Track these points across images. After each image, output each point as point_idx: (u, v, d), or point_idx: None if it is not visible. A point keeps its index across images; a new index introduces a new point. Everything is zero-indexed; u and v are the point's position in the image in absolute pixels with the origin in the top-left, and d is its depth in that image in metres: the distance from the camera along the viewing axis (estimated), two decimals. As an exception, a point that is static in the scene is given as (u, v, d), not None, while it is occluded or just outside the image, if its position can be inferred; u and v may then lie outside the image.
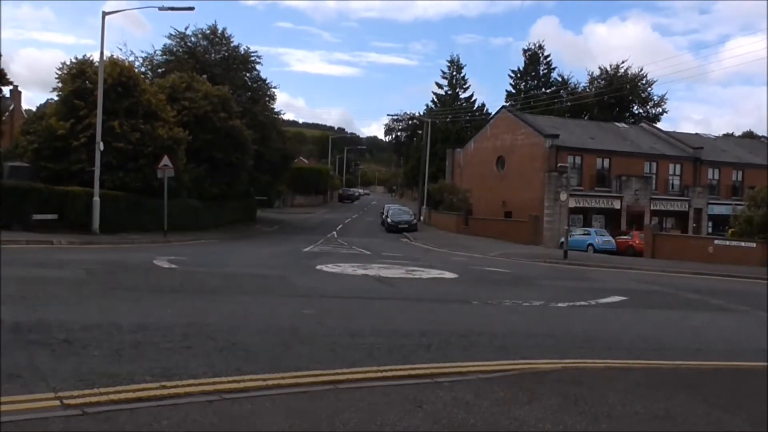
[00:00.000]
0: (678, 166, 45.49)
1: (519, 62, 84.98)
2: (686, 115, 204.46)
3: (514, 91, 71.34)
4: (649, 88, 67.73)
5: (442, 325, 9.12)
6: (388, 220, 47.06)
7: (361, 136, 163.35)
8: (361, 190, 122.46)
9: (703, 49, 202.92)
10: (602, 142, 44.40)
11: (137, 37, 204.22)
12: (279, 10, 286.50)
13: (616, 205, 42.32)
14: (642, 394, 5.72)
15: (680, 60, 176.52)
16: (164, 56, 42.41)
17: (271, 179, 46.92)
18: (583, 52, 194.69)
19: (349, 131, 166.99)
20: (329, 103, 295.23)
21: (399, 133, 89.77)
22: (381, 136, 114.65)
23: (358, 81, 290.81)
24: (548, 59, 71.47)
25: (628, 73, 66.87)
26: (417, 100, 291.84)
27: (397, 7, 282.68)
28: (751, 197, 32.60)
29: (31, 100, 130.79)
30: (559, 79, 71.01)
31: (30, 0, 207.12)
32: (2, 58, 25.18)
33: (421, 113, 76.65)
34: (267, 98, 46.28)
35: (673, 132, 52.05)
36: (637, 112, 68.35)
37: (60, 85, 27.26)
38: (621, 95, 65.08)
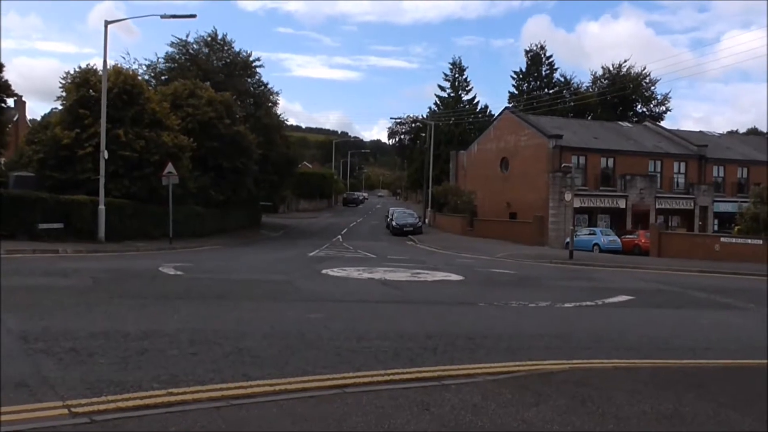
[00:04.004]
0: (683, 164, 45.34)
1: (520, 63, 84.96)
2: (686, 113, 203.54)
3: (516, 92, 71.26)
4: (653, 87, 67.70)
5: (448, 328, 9.10)
6: (393, 223, 47.00)
7: (363, 139, 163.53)
8: (366, 194, 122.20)
9: (701, 47, 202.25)
10: (606, 142, 44.31)
11: (128, 43, 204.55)
12: (279, 16, 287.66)
13: (621, 204, 42.21)
14: (650, 393, 5.68)
15: (679, 58, 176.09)
16: (167, 64, 42.57)
17: (277, 180, 46.93)
18: (578, 51, 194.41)
19: (351, 135, 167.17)
20: (327, 107, 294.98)
21: (402, 136, 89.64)
22: (384, 139, 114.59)
23: (358, 85, 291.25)
24: (550, 60, 71.48)
25: (630, 72, 66.78)
26: (418, 103, 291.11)
27: (396, 10, 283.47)
28: (757, 194, 32.45)
29: (30, 109, 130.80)
30: (562, 79, 70.96)
31: (17, 1, 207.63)
32: (4, 68, 25.11)
33: (424, 116, 76.73)
34: (270, 104, 46.40)
35: (677, 130, 51.79)
36: (640, 111, 68.20)
37: (64, 94, 27.38)
38: (624, 94, 64.95)
